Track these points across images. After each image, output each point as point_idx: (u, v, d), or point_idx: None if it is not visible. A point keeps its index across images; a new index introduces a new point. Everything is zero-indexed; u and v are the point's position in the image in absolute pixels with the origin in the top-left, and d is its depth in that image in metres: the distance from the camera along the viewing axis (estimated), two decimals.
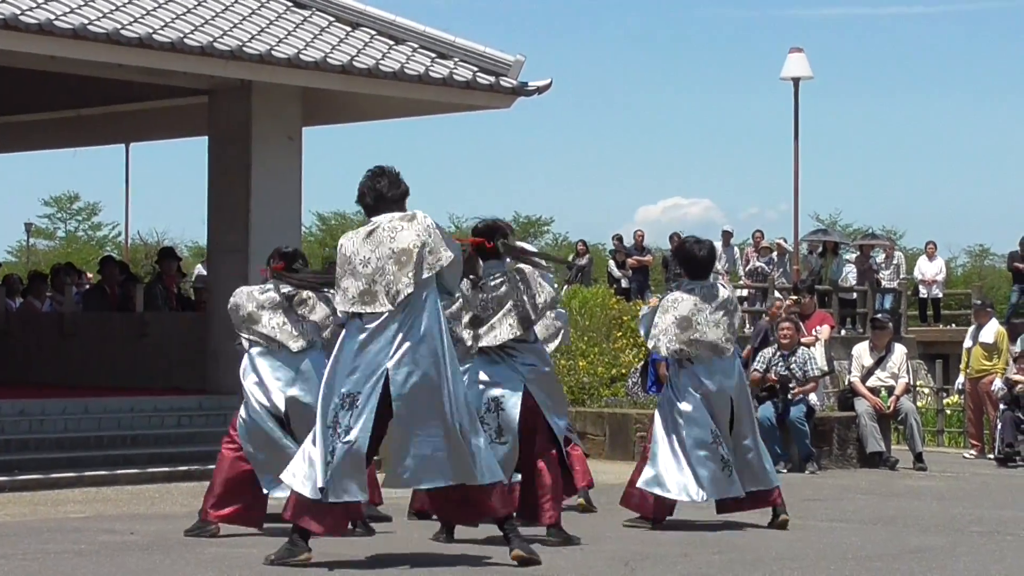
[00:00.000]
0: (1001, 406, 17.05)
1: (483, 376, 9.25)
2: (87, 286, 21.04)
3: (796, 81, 28.73)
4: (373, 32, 16.80)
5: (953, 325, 31.23)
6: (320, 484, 8.00)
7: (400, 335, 8.06)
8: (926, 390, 23.94)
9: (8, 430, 14.06)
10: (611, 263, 28.52)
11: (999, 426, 16.92)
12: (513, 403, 9.17)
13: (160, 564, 8.50)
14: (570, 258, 30.72)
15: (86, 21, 13.77)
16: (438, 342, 8.14)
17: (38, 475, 13.09)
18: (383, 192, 8.32)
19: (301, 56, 15.23)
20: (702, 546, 9.49)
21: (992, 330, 18.05)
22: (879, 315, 20.82)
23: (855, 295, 28.40)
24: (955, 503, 12.69)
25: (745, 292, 28.45)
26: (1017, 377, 17.08)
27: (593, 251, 33.71)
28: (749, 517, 10.99)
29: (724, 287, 10.89)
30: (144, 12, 14.69)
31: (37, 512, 11.30)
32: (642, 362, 17.81)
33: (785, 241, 29.58)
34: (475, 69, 16.59)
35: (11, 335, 18.70)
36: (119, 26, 13.96)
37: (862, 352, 16.78)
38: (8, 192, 74.45)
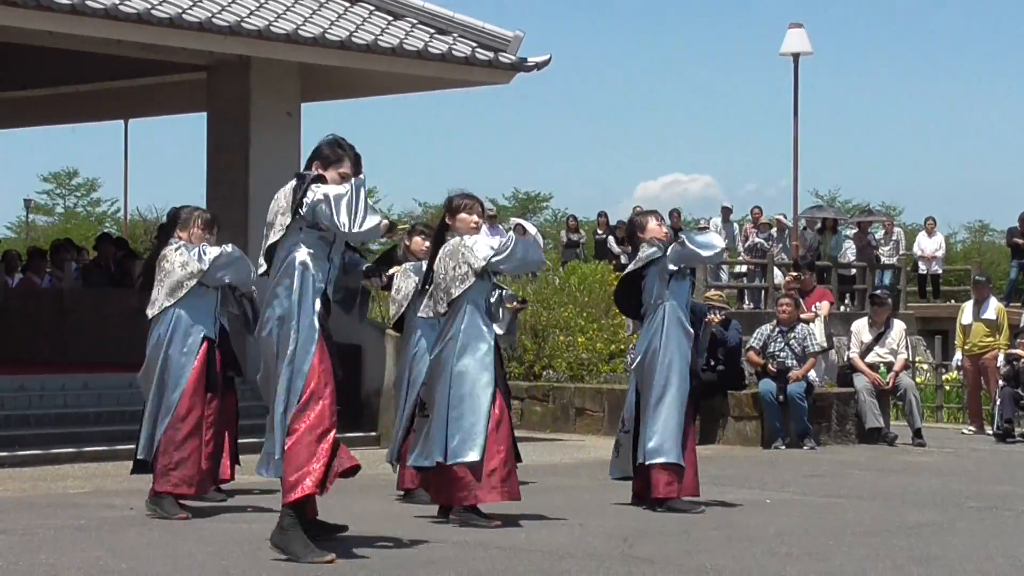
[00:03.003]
0: (1000, 382, 17.05)
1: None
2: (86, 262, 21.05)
3: (796, 57, 28.65)
4: (372, 7, 16.77)
5: (952, 301, 31.23)
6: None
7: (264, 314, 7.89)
8: (925, 366, 23.95)
9: (8, 406, 14.08)
10: (611, 239, 28.48)
11: (998, 402, 16.93)
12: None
13: (159, 539, 8.52)
14: (561, 234, 30.65)
15: None
16: (283, 322, 7.71)
17: (38, 451, 13.11)
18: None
19: (299, 32, 15.21)
20: (701, 522, 9.50)
21: (993, 306, 18.04)
22: (878, 291, 20.81)
23: (854, 271, 28.39)
24: (954, 479, 12.70)
25: (744, 268, 28.45)
26: (1019, 352, 17.08)
27: (590, 227, 33.66)
28: (749, 494, 11.02)
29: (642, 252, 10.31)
30: None
31: (37, 487, 11.32)
32: None
33: (784, 217, 29.55)
34: (474, 45, 16.56)
35: (10, 311, 18.69)
36: (117, 1, 13.93)
37: (861, 328, 16.78)
38: (7, 168, 74.39)
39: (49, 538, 8.56)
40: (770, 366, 15.42)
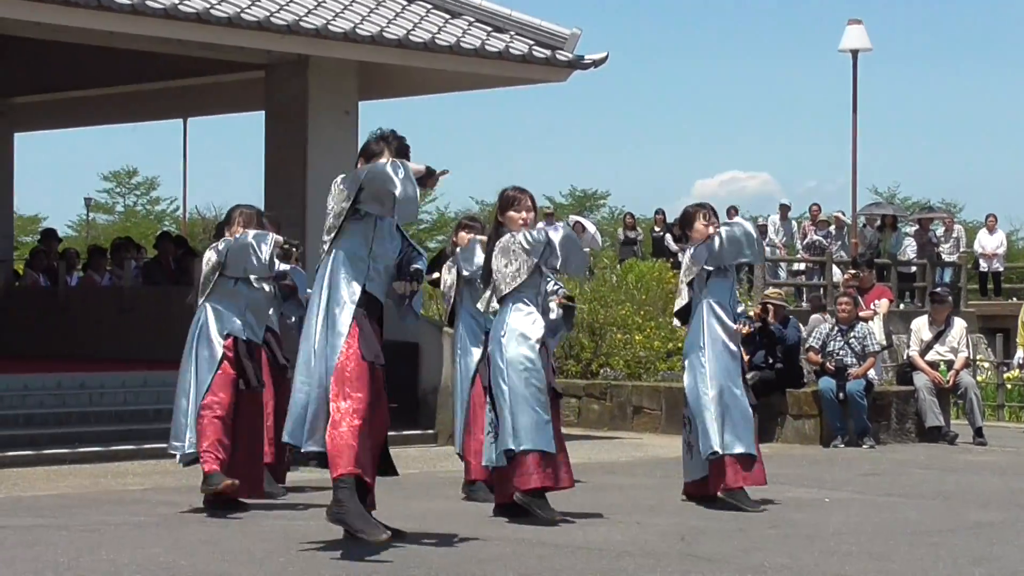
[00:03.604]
0: None
1: None
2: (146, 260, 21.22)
3: (855, 53, 28.49)
4: (429, 6, 16.79)
5: (1014, 299, 30.96)
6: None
7: None
8: (986, 364, 23.74)
9: (69, 403, 14.21)
10: (668, 237, 28.41)
11: None
12: None
13: (219, 535, 8.56)
14: (619, 231, 30.61)
15: None
16: (315, 309, 8.04)
17: (98, 447, 13.21)
18: None
19: (357, 30, 15.25)
20: (758, 521, 9.46)
21: None
22: (938, 289, 20.64)
23: (914, 269, 28.19)
24: (1015, 478, 12.58)
25: (803, 266, 28.30)
26: None
27: (647, 225, 33.60)
28: (808, 493, 10.96)
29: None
30: None
31: (97, 484, 11.41)
32: None
33: (843, 214, 29.38)
34: (531, 42, 16.55)
35: (71, 309, 18.86)
36: (176, 1, 14.01)
37: (921, 326, 16.64)
38: (68, 167, 75.01)
39: (109, 535, 8.63)
40: (828, 364, 15.32)
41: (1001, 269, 31.09)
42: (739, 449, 10.00)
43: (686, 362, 10.31)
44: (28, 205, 58.76)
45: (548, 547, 8.19)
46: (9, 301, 19.89)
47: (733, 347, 10.18)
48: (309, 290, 8.67)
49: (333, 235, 8.00)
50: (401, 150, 8.09)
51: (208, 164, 72.17)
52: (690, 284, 10.26)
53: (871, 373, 15.65)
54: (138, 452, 13.14)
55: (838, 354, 15.43)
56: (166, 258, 19.26)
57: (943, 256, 29.03)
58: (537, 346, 9.15)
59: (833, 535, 8.82)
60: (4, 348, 18.33)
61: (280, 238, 9.73)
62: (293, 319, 10.38)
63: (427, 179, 8.10)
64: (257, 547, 8.13)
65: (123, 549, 8.06)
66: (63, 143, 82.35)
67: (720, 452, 10.01)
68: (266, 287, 9.83)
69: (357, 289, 7.97)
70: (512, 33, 16.62)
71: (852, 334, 15.55)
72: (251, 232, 9.73)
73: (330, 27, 15.04)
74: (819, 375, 15.49)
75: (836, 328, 15.69)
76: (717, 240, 10.07)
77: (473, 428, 10.06)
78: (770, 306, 15.76)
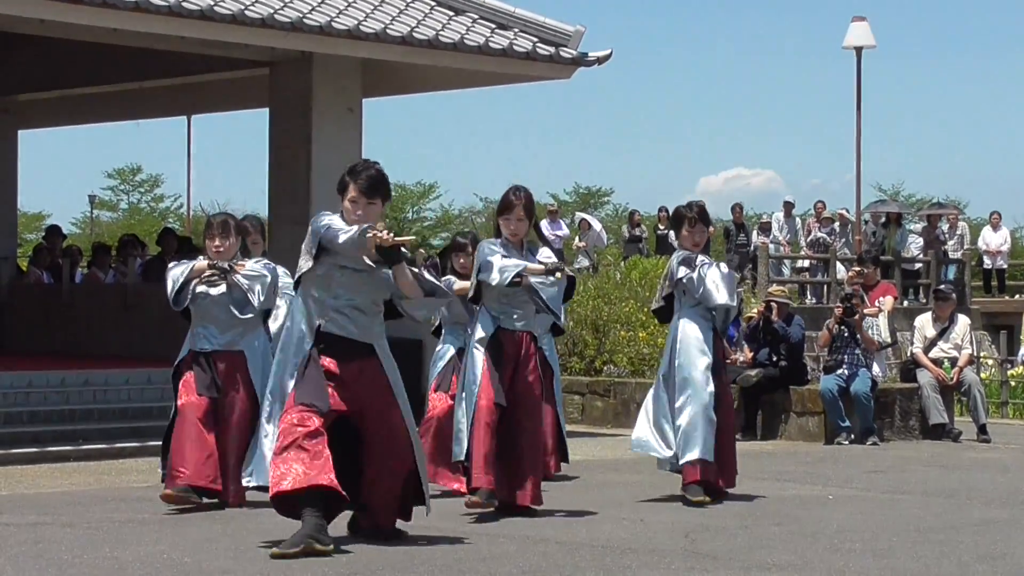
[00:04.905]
0: None
1: None
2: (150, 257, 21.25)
3: (859, 50, 28.49)
4: (433, 3, 16.78)
5: (1018, 296, 30.98)
6: None
7: None
8: (990, 361, 23.73)
9: (73, 400, 14.22)
10: (672, 234, 28.39)
11: None
12: None
13: (222, 533, 8.57)
14: (623, 228, 30.58)
15: None
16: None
17: (102, 444, 13.23)
18: None
19: (361, 27, 15.25)
20: (762, 518, 9.46)
21: None
22: (942, 286, 20.63)
23: (918, 266, 28.18)
24: (1019, 475, 12.58)
25: (807, 263, 28.30)
26: None
27: (651, 222, 33.60)
28: (811, 490, 10.96)
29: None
30: None
31: (101, 481, 11.42)
32: None
33: (847, 211, 29.38)
34: (535, 40, 16.54)
35: (75, 306, 18.87)
36: None
37: (925, 323, 16.64)
38: (72, 164, 75.09)
39: (113, 532, 8.64)
40: (837, 309, 15.34)
41: (1005, 266, 31.10)
42: (689, 457, 10.06)
43: (668, 367, 10.37)
44: (32, 202, 58.94)
45: (552, 544, 8.20)
46: (13, 298, 19.92)
47: (706, 355, 10.18)
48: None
49: (298, 276, 8.09)
50: (370, 184, 8.00)
51: (212, 161, 72.30)
52: (669, 296, 10.36)
53: (876, 369, 15.65)
54: (142, 449, 13.15)
55: (844, 350, 15.42)
56: (169, 255, 19.28)
57: (948, 253, 29.04)
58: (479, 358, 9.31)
59: (837, 532, 8.82)
60: (8, 345, 18.38)
61: (205, 265, 9.83)
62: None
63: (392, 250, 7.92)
64: (258, 544, 8.13)
65: (127, 546, 8.07)
66: (67, 140, 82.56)
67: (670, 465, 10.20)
68: (212, 292, 9.86)
69: (305, 328, 8.00)
70: (516, 30, 16.62)
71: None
72: (172, 265, 10.01)
73: (334, 24, 15.04)
74: (827, 371, 15.49)
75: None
76: (697, 286, 10.15)
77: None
78: (774, 304, 15.77)
